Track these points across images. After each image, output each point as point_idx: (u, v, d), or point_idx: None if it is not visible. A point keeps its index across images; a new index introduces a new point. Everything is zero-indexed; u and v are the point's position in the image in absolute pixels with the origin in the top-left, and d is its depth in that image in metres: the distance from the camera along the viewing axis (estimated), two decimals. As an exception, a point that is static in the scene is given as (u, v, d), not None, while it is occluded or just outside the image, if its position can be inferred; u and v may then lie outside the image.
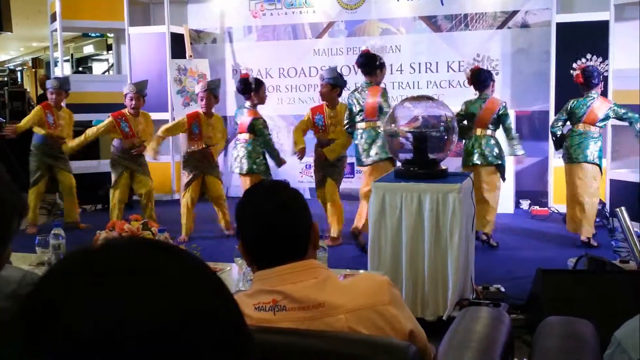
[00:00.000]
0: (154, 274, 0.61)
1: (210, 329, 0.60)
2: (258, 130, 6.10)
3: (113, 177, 6.49)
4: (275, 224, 1.66)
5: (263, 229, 1.67)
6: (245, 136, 6.15)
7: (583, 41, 6.92)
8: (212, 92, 6.28)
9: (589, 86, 5.76)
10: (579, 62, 5.95)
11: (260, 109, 6.33)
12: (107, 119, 6.51)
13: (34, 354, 0.57)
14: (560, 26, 7.05)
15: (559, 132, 5.90)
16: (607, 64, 6.10)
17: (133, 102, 6.39)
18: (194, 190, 6.30)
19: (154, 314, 0.57)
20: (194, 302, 0.61)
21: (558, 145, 5.96)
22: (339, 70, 6.50)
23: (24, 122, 6.78)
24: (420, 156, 4.29)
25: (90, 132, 6.55)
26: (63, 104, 6.90)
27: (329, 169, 6.13)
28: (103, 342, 0.55)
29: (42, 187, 6.78)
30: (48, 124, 6.71)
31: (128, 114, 6.45)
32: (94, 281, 0.59)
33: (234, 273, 3.50)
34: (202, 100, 6.25)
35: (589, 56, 5.94)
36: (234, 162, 6.24)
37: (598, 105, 5.73)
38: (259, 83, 6.25)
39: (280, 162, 6.22)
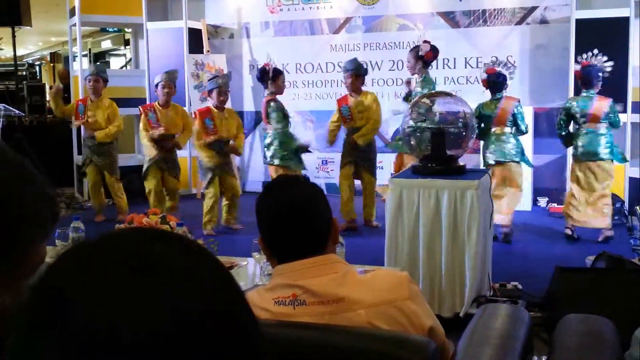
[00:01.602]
0: (164, 269, 0.59)
1: (222, 325, 0.59)
2: (271, 113, 6.22)
3: (144, 168, 6.61)
4: (295, 218, 1.66)
5: (282, 223, 1.67)
6: (268, 125, 6.32)
7: (603, 37, 6.85)
8: (172, 82, 6.51)
9: (589, 85, 5.74)
10: (582, 57, 5.89)
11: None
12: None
13: (36, 343, 0.57)
14: (580, 22, 6.99)
15: (564, 133, 5.93)
16: (610, 64, 5.96)
17: (165, 89, 6.47)
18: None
19: (161, 311, 0.56)
20: (206, 298, 0.59)
21: (568, 143, 5.97)
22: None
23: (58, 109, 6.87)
24: (438, 152, 4.27)
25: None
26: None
27: (359, 155, 6.32)
28: (108, 336, 0.54)
29: (93, 177, 6.87)
30: (77, 114, 6.83)
31: (157, 105, 6.54)
32: (101, 274, 0.58)
33: (251, 268, 3.51)
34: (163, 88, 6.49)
35: (596, 51, 5.85)
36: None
37: (599, 105, 5.70)
38: (277, 72, 6.35)
39: (301, 149, 6.39)
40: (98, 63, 7.56)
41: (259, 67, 6.49)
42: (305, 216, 1.67)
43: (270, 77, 6.24)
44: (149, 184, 6.50)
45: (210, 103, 6.36)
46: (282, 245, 1.69)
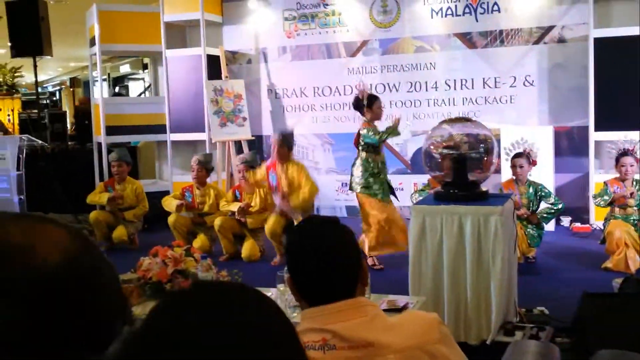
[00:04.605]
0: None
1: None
2: (364, 138, 5.88)
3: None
4: (325, 265, 1.66)
5: (312, 270, 1.67)
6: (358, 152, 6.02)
7: (621, 55, 6.84)
8: (205, 165, 6.66)
9: None
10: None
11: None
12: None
13: None
14: (598, 41, 6.98)
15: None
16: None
17: (195, 173, 6.65)
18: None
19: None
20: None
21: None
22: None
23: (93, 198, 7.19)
24: (460, 178, 4.25)
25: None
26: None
27: None
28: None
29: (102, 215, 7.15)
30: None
31: (195, 185, 6.72)
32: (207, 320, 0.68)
33: (275, 299, 3.50)
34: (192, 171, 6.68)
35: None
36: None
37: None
38: (373, 98, 6.00)
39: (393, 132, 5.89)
40: (121, 147, 7.79)
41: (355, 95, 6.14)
42: (335, 262, 1.67)
43: (365, 104, 5.92)
44: (171, 218, 6.59)
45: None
46: (311, 289, 1.69)
